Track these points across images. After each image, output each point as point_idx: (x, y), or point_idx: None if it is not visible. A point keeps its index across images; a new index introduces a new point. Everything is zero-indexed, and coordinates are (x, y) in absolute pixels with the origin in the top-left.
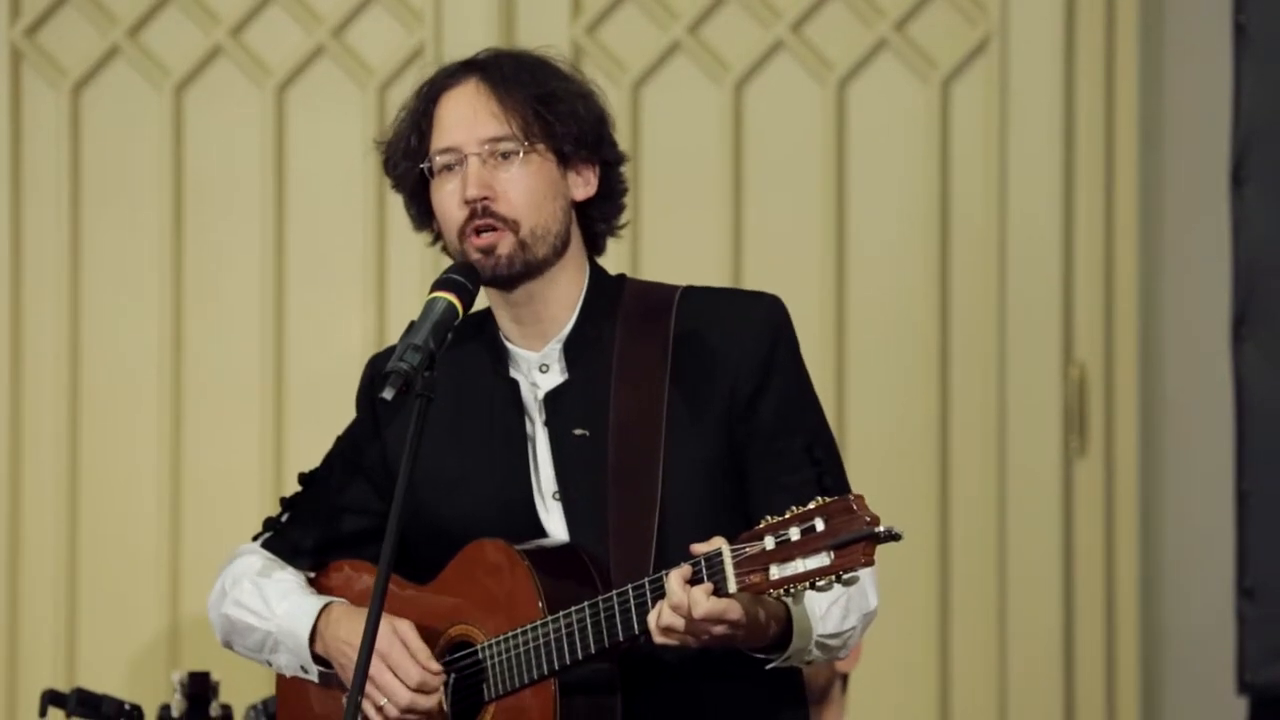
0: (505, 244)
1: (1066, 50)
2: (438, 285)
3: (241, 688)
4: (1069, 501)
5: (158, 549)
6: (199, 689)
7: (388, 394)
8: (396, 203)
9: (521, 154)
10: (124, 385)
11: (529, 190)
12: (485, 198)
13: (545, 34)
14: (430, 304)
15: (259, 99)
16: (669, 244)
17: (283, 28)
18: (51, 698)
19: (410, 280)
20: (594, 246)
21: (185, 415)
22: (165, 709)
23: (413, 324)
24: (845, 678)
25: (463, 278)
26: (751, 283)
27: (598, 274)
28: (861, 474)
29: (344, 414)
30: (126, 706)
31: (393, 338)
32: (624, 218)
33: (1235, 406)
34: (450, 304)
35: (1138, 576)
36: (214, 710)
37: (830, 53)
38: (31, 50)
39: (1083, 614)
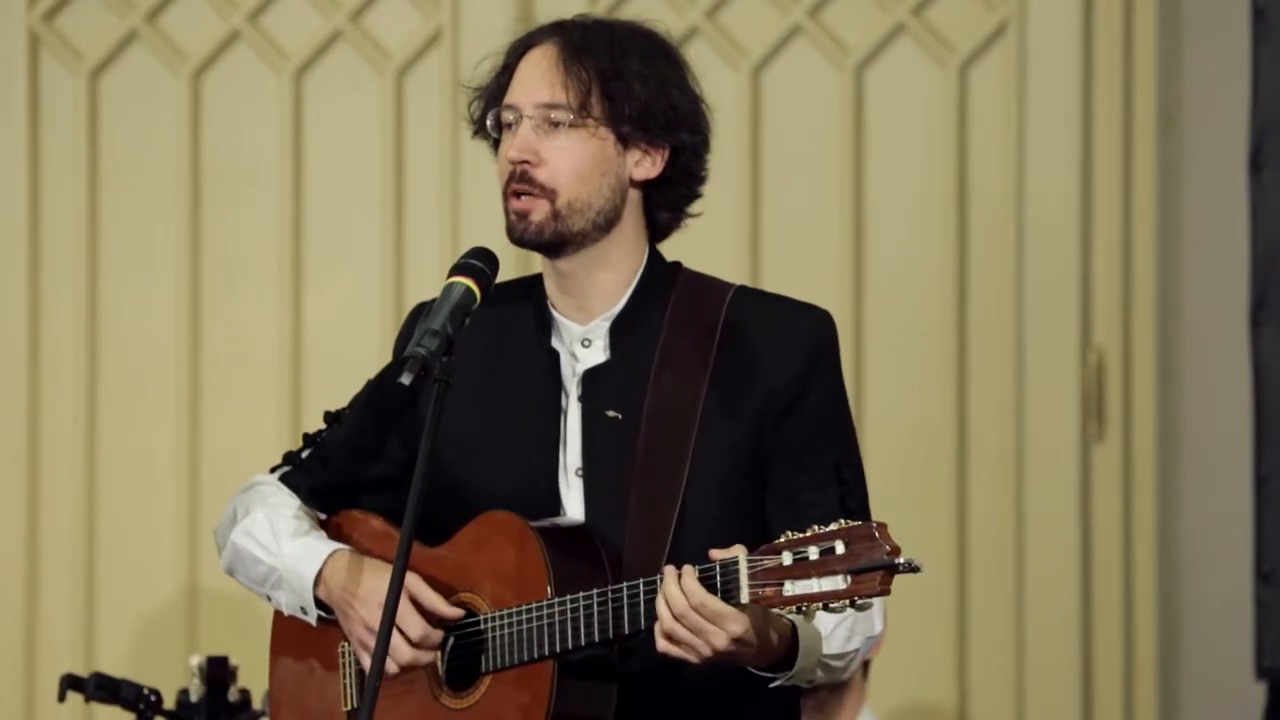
0: (539, 211)
1: (1084, 35)
2: (455, 270)
3: (260, 672)
4: (1087, 486)
5: (175, 533)
6: (217, 673)
7: (405, 379)
8: (415, 187)
9: (570, 125)
10: (142, 370)
11: (572, 162)
12: (525, 162)
13: (561, 18)
14: (448, 288)
15: (277, 84)
16: (687, 229)
17: (300, 13)
18: (70, 682)
19: (428, 265)
20: (655, 231)
21: (203, 400)
22: (184, 693)
23: (425, 306)
24: (866, 665)
25: (481, 263)
26: (769, 267)
27: (655, 258)
28: (879, 460)
29: None
30: (145, 691)
31: None
32: (697, 207)
33: (1253, 391)
34: (468, 289)
35: (1155, 561)
36: (232, 695)
37: (848, 38)
38: (49, 36)
39: (1101, 599)
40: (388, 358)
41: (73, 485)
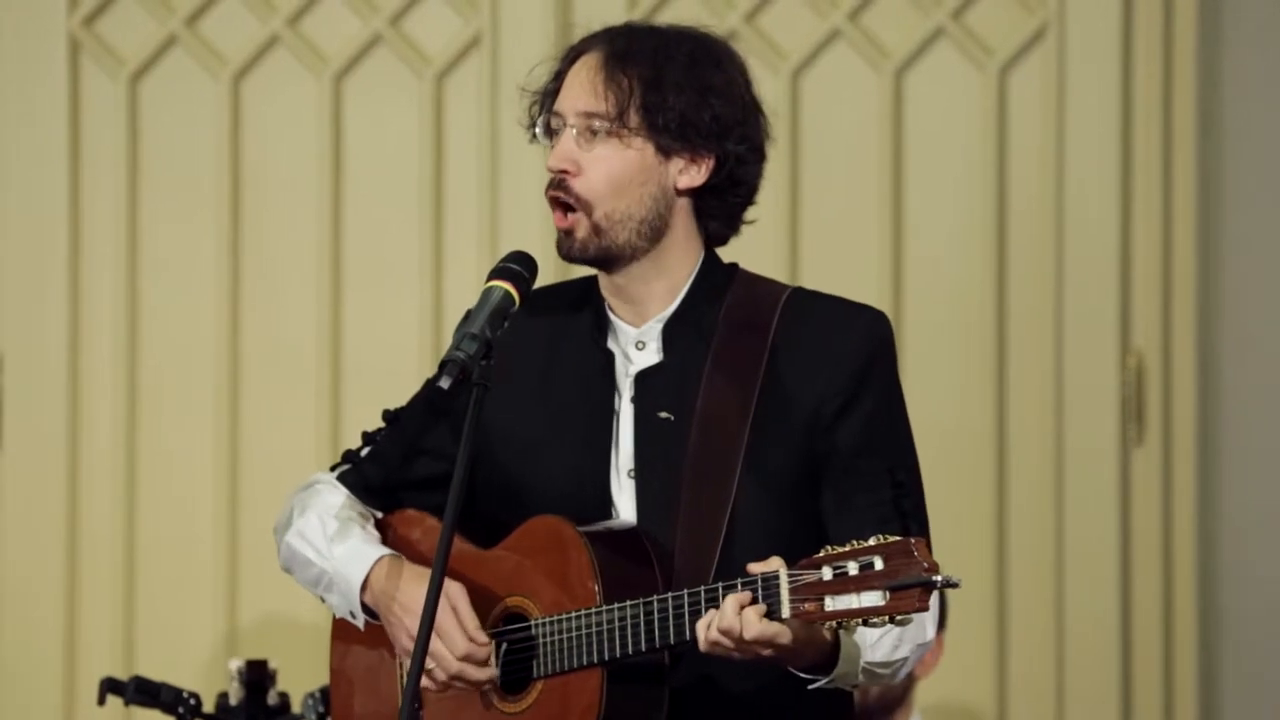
0: (581, 228)
1: (1124, 38)
2: (494, 274)
3: (299, 676)
4: (1126, 490)
5: (215, 537)
6: (256, 677)
7: (444, 383)
8: (454, 191)
9: (607, 134)
10: (181, 374)
11: (609, 173)
12: (564, 171)
13: (601, 23)
14: (487, 292)
15: (316, 88)
16: None
17: (340, 17)
18: (110, 686)
19: (466, 269)
20: (710, 237)
21: (242, 404)
22: (223, 697)
23: (469, 313)
24: (913, 678)
25: (519, 266)
26: (807, 271)
27: (710, 262)
28: (920, 463)
29: (400, 401)
30: (184, 695)
31: (448, 326)
32: (751, 215)
33: None
34: (507, 293)
35: (1195, 565)
36: (271, 698)
37: (887, 41)
38: (90, 40)
39: (1140, 603)
40: (426, 362)
41: (112, 489)
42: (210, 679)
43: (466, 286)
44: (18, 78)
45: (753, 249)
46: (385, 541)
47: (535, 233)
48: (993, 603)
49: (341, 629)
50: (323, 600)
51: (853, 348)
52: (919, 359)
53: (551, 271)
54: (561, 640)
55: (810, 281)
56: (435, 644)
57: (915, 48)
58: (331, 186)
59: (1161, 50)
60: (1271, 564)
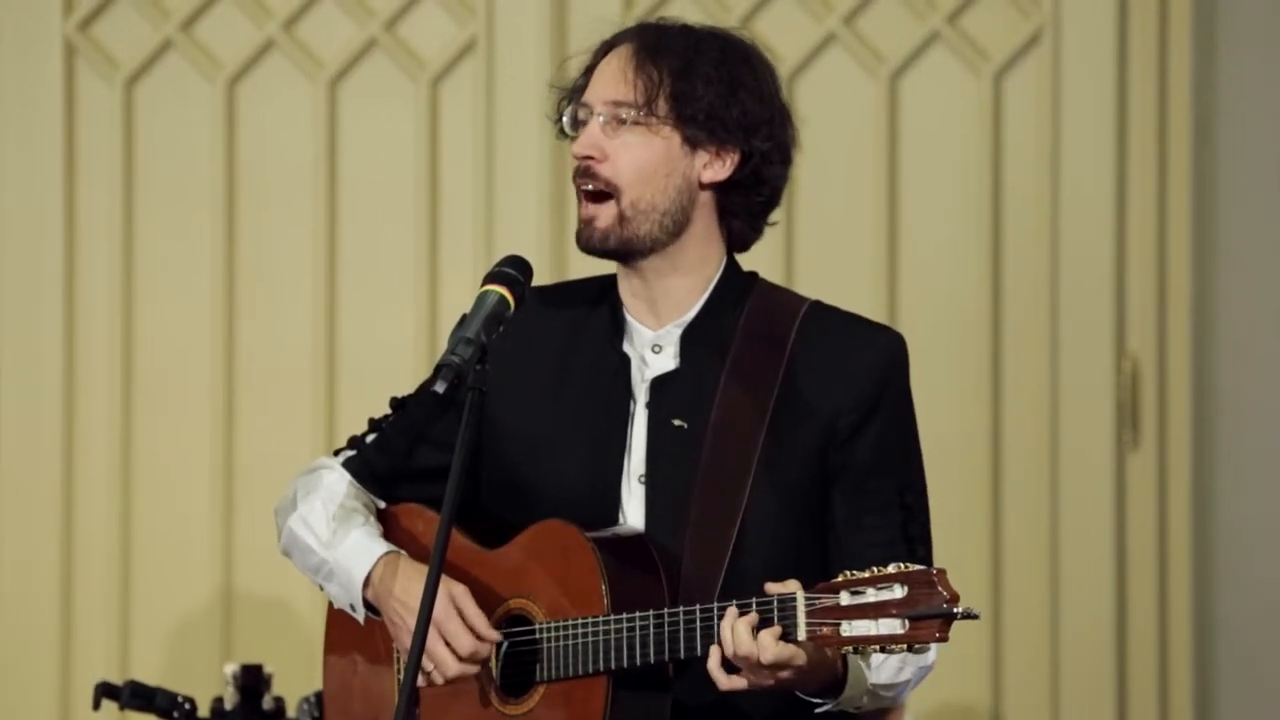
0: (604, 217)
1: (1119, 42)
2: (489, 278)
3: (295, 680)
4: (1122, 495)
5: (210, 542)
6: (252, 681)
7: (439, 388)
8: (449, 195)
9: (634, 121)
10: (176, 379)
11: (635, 159)
12: (590, 157)
13: (597, 26)
14: (482, 297)
15: (311, 92)
16: None
17: (335, 21)
18: (105, 690)
19: (462, 273)
20: (731, 238)
21: (238, 409)
22: (218, 701)
23: (464, 317)
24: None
25: (514, 270)
26: (802, 276)
27: (731, 267)
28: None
29: None
30: (179, 699)
31: (444, 330)
32: (775, 216)
33: None
34: (502, 297)
35: (1190, 569)
36: (267, 703)
37: (882, 46)
38: (85, 44)
39: (1136, 608)
40: (421, 366)
41: (108, 494)
42: (205, 683)
43: (462, 291)
44: (13, 81)
45: (749, 254)
46: (387, 533)
47: (531, 237)
48: (988, 606)
49: (336, 624)
50: (321, 588)
51: (870, 365)
52: (914, 363)
53: (548, 275)
54: (565, 646)
55: (804, 286)
56: (435, 646)
57: (910, 52)
58: (327, 191)
59: (1156, 54)
60: (1266, 567)
